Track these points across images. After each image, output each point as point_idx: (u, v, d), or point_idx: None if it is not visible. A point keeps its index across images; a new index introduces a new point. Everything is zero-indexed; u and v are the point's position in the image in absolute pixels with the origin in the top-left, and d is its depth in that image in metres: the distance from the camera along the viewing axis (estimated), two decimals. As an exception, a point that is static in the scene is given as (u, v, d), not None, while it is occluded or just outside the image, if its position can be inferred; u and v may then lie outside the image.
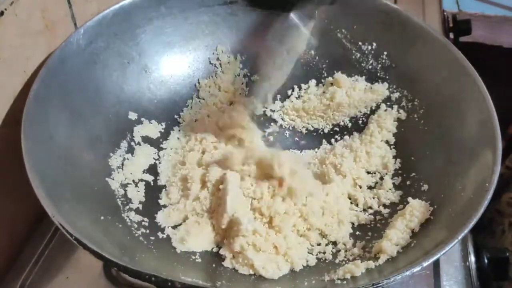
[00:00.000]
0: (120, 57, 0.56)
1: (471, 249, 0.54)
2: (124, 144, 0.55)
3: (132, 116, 0.57)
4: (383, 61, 0.62)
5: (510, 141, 0.76)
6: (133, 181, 0.53)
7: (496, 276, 0.53)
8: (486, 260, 0.53)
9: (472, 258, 0.54)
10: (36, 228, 0.55)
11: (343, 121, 0.62)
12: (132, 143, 0.56)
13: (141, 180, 0.54)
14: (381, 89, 0.61)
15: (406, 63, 0.61)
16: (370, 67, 0.63)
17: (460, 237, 0.41)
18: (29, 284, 0.51)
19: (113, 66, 0.55)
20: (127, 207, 0.50)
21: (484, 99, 0.51)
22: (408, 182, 0.55)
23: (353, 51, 0.64)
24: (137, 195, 0.52)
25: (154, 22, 0.59)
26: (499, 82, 0.73)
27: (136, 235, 0.48)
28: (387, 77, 0.62)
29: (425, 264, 0.39)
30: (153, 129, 0.58)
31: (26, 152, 0.41)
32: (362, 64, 0.63)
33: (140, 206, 0.51)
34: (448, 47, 0.57)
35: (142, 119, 0.57)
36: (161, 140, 0.59)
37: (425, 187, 0.52)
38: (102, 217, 0.46)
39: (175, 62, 0.62)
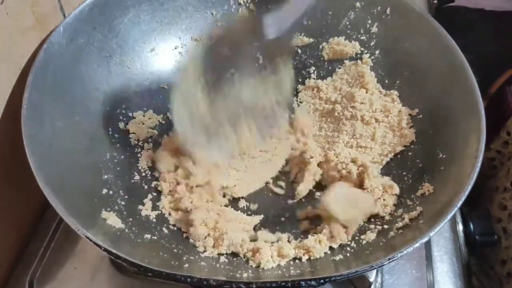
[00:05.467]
0: (101, 51, 0.56)
1: (459, 218, 0.58)
2: (120, 142, 0.56)
3: (123, 112, 0.58)
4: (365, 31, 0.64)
5: (491, 100, 0.80)
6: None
7: (481, 242, 0.57)
8: (471, 226, 0.57)
9: (460, 227, 0.57)
10: (40, 220, 0.57)
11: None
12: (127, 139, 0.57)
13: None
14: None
15: (385, 35, 0.63)
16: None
17: (459, 205, 0.43)
18: (39, 276, 0.53)
19: (96, 61, 0.55)
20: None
21: (463, 67, 0.53)
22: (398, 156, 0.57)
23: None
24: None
25: (131, 11, 0.59)
26: (481, 43, 0.76)
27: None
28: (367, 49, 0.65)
29: (431, 233, 0.42)
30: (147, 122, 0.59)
31: (33, 163, 0.43)
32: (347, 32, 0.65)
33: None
34: (424, 16, 0.59)
35: (132, 113, 0.59)
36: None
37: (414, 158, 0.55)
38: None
39: (155, 49, 0.62)
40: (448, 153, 0.51)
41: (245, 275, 0.44)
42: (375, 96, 0.61)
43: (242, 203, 0.56)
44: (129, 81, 0.59)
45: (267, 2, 0.64)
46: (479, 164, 0.45)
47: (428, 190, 0.50)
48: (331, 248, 0.49)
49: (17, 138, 0.44)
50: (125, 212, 0.50)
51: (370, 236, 0.48)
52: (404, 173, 0.55)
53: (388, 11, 0.62)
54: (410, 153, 0.56)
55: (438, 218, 0.43)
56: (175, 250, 0.48)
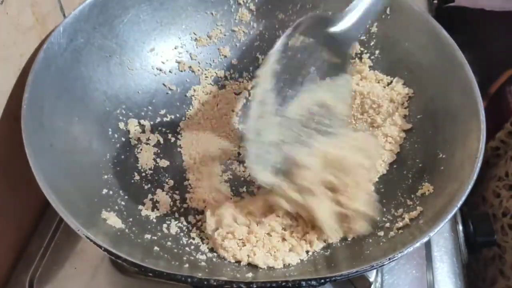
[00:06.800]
0: (101, 51, 0.56)
1: (459, 218, 0.58)
2: (120, 142, 0.56)
3: (123, 112, 0.58)
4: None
5: (491, 100, 0.80)
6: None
7: (481, 242, 0.57)
8: (471, 226, 0.57)
9: (460, 227, 0.57)
10: (40, 220, 0.57)
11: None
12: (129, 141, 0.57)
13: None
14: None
15: (385, 35, 0.62)
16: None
17: (459, 205, 0.43)
18: (39, 276, 0.53)
19: (95, 61, 0.55)
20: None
21: (463, 67, 0.53)
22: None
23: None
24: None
25: (131, 11, 0.59)
26: (481, 43, 0.76)
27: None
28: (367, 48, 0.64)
29: (431, 234, 0.41)
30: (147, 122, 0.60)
31: (33, 163, 0.42)
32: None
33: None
34: (424, 16, 0.59)
35: (132, 113, 0.59)
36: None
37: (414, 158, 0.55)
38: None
39: (155, 49, 0.62)
40: (448, 153, 0.51)
41: (245, 275, 0.44)
42: None
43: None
44: (129, 81, 0.59)
45: (267, 3, 0.64)
46: (479, 164, 0.45)
47: (428, 190, 0.50)
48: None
49: (17, 138, 0.44)
50: (125, 212, 0.50)
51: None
52: (404, 173, 0.55)
53: (388, 11, 0.62)
54: (410, 153, 0.56)
55: (438, 218, 0.43)
56: (175, 250, 0.48)
